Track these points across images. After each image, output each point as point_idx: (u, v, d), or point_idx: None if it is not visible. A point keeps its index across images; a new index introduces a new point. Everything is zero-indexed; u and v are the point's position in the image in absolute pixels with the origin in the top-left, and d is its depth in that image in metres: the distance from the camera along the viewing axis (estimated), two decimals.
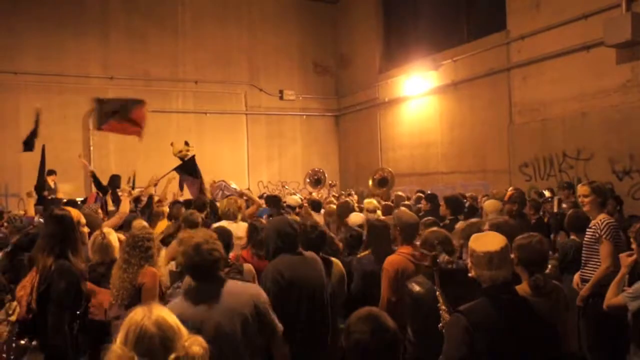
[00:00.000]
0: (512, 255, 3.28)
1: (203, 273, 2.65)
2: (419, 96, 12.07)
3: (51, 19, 12.02)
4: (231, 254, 4.06)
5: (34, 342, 2.93)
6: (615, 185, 7.39)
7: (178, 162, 8.21)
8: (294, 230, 3.38)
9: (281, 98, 14.60)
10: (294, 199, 7.43)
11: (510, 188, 7.43)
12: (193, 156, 8.13)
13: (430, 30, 11.89)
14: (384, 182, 10.61)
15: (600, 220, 4.08)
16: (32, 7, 11.81)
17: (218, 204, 5.97)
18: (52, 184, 9.62)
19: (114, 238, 3.82)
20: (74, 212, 3.38)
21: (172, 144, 8.47)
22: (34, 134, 8.39)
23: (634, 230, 3.30)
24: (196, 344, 1.71)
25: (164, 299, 3.75)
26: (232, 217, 5.35)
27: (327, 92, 15.38)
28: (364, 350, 1.91)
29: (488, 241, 2.48)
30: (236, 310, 2.57)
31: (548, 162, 8.75)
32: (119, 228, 4.88)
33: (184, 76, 13.49)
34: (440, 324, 2.82)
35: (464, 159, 10.75)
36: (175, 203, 6.93)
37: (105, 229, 3.90)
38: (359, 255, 4.34)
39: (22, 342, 2.92)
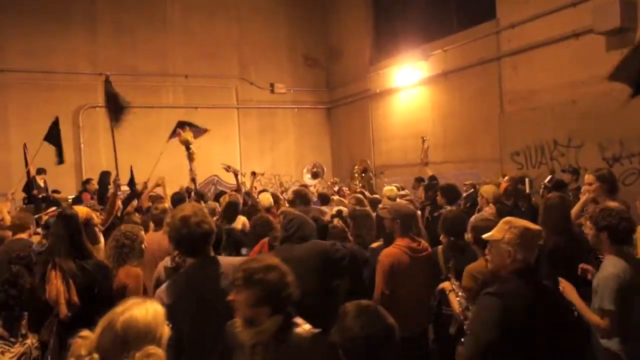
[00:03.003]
0: (469, 236, 3.43)
1: (192, 247, 2.61)
2: (410, 87, 12.07)
3: (37, 14, 11.86)
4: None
5: None
6: None
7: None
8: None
9: (272, 91, 14.54)
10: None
11: (506, 178, 7.49)
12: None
13: (420, 20, 11.85)
14: (365, 173, 11.22)
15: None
16: (16, 3, 11.66)
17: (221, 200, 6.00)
18: (41, 183, 9.54)
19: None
20: (82, 211, 3.33)
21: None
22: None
23: (590, 214, 3.29)
24: (151, 358, 1.67)
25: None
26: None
27: (318, 84, 15.33)
28: (359, 345, 1.88)
29: (530, 224, 2.47)
30: (226, 290, 2.52)
31: (539, 150, 8.79)
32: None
33: (173, 71, 13.40)
34: (460, 309, 2.84)
35: (456, 148, 10.78)
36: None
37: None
38: (372, 246, 4.35)
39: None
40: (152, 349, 1.67)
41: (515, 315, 2.26)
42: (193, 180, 8.41)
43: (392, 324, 1.96)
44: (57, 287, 2.91)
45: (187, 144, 8.34)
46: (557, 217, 3.90)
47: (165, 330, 1.75)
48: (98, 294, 3.01)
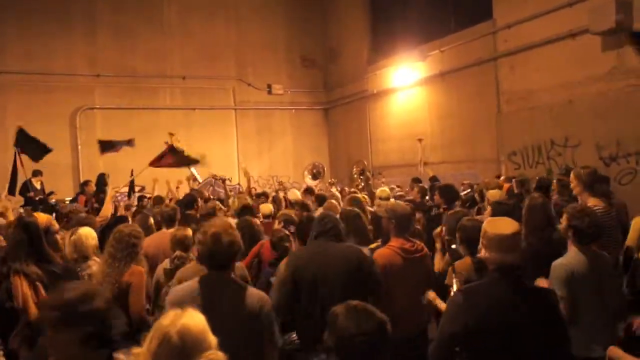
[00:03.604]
0: (457, 235, 3.48)
1: (219, 264, 2.64)
2: (407, 87, 12.08)
3: (37, 15, 11.87)
4: None
5: None
6: (603, 172, 7.44)
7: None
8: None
9: (269, 92, 14.54)
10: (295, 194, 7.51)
11: (502, 178, 7.51)
12: None
13: (418, 21, 11.87)
14: (363, 174, 11.47)
15: None
16: (16, 4, 11.66)
17: (230, 202, 6.09)
18: (37, 185, 9.51)
19: (89, 236, 3.81)
20: (42, 218, 3.33)
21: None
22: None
23: (567, 208, 3.37)
24: None
25: (157, 298, 3.75)
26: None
27: (315, 85, 15.34)
28: (357, 343, 1.88)
29: (501, 225, 2.51)
30: (243, 309, 2.57)
31: (536, 150, 8.80)
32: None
33: (171, 72, 13.41)
34: None
35: (453, 149, 10.79)
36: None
37: (81, 229, 3.88)
38: (370, 246, 4.31)
39: None
40: (213, 354, 1.68)
41: (485, 313, 2.30)
42: (195, 180, 8.44)
43: (383, 318, 1.98)
44: (23, 291, 2.89)
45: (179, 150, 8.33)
46: (538, 218, 3.95)
47: (212, 337, 1.74)
48: None
